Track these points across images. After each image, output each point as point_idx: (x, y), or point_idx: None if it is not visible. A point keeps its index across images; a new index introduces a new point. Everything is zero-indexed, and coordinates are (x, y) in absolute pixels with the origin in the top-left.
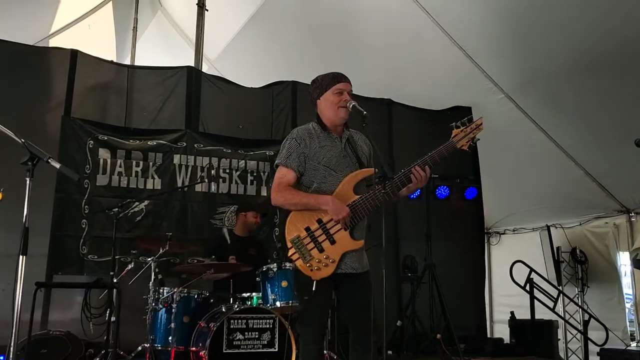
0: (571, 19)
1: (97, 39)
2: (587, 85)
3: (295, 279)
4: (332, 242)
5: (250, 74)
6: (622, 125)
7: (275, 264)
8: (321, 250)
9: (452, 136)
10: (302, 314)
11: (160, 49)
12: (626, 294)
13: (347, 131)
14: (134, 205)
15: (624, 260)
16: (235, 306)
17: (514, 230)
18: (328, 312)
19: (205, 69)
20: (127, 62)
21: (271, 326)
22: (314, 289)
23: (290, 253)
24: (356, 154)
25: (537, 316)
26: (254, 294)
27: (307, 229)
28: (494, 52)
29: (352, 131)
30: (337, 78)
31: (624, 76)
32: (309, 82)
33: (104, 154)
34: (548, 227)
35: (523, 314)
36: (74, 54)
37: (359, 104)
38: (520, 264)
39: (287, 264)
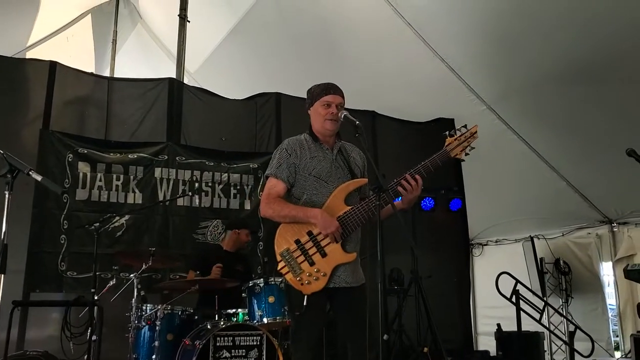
0: (554, 31)
1: (76, 52)
2: (569, 97)
3: (287, 294)
4: (323, 254)
5: (231, 86)
6: (605, 136)
7: (262, 279)
8: (312, 264)
9: (445, 145)
10: (293, 332)
11: (140, 61)
12: (609, 304)
13: (339, 142)
14: (114, 220)
15: (606, 270)
16: (221, 323)
17: (496, 242)
18: (322, 330)
19: (185, 81)
20: (107, 74)
21: (258, 343)
22: (305, 304)
23: (279, 267)
24: (348, 165)
25: (522, 327)
26: (239, 310)
27: (297, 242)
28: (476, 64)
29: (345, 143)
30: (326, 90)
31: (605, 88)
32: (291, 93)
33: (83, 167)
34: (532, 238)
35: (506, 325)
36: (53, 65)
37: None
38: (504, 275)
39: (274, 279)
